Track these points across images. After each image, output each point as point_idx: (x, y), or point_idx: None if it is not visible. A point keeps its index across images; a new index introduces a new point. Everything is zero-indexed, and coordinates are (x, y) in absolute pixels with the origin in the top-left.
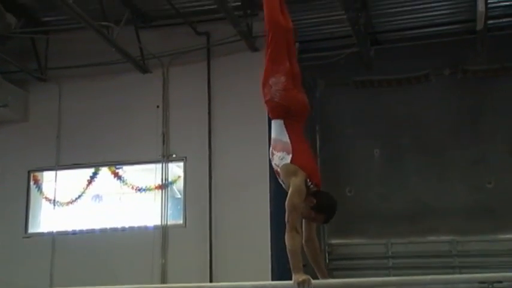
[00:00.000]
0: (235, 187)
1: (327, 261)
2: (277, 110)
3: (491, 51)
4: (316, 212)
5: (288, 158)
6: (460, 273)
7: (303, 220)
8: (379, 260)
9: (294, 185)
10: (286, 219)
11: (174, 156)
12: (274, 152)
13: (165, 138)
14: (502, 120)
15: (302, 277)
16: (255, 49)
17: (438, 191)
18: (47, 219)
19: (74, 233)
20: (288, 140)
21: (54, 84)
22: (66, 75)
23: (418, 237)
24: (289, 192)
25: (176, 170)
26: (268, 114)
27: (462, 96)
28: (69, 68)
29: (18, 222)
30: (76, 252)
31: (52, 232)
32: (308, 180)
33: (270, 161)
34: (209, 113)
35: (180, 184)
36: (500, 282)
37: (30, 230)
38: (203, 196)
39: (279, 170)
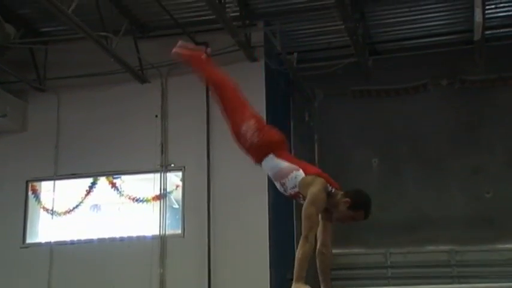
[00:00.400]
0: (234, 197)
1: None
2: (262, 150)
3: (488, 62)
4: (354, 210)
5: (301, 173)
6: (459, 283)
7: (319, 228)
8: (378, 270)
9: (310, 194)
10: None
11: (172, 165)
12: (283, 181)
13: (163, 148)
14: (500, 130)
15: (302, 287)
16: (253, 59)
17: (437, 201)
18: (45, 229)
19: (72, 243)
20: (288, 163)
21: (53, 94)
22: (64, 86)
23: (417, 247)
24: (305, 202)
25: (175, 179)
26: (255, 162)
27: (460, 106)
28: (67, 78)
29: (16, 232)
30: (74, 263)
31: (50, 242)
32: (328, 186)
33: None
34: (208, 123)
35: (178, 194)
36: None
37: (28, 240)
38: (202, 206)
39: (297, 189)
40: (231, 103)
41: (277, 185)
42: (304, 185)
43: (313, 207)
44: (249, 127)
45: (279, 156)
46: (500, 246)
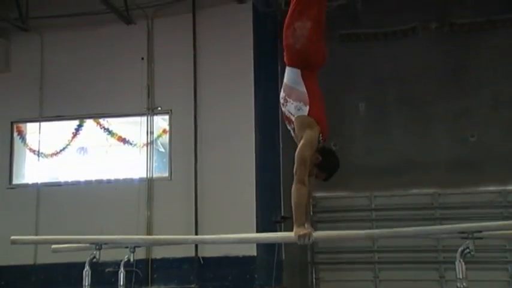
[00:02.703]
0: (221, 140)
1: (311, 213)
2: (295, 59)
3: (478, 4)
4: (319, 169)
5: (306, 110)
6: (441, 224)
7: None
8: (362, 212)
9: (307, 137)
10: (294, 171)
11: (159, 109)
12: (288, 99)
13: (150, 91)
14: (486, 73)
15: (303, 231)
16: (241, 0)
17: (422, 145)
18: (31, 171)
19: (59, 184)
20: (305, 90)
21: (36, 34)
22: (48, 25)
23: (401, 190)
24: (301, 143)
25: (161, 123)
26: (284, 59)
27: (448, 50)
28: (51, 18)
29: (2, 173)
30: (61, 204)
31: (37, 183)
32: (320, 135)
33: (255, 113)
34: (194, 65)
35: (165, 137)
36: (480, 232)
37: (15, 181)
38: (189, 149)
39: (293, 119)
40: None
41: (281, 94)
42: (301, 123)
43: (310, 151)
44: (303, 27)
45: (303, 76)
46: (482, 188)
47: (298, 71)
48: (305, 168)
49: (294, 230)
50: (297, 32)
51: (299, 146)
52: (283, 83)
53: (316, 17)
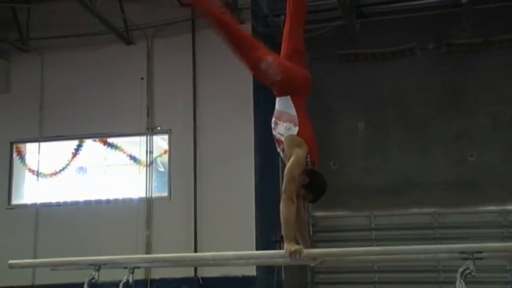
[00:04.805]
0: (220, 159)
1: (311, 233)
2: (282, 89)
3: (475, 25)
4: (306, 191)
5: (295, 130)
6: (441, 244)
7: None
8: (362, 232)
9: (296, 156)
10: (283, 189)
11: (158, 128)
12: (278, 122)
13: (149, 111)
14: (485, 94)
15: (294, 247)
16: (240, 21)
17: (421, 165)
18: (30, 191)
19: (58, 204)
20: (295, 113)
21: (37, 55)
22: (48, 46)
23: (401, 209)
24: (290, 162)
25: (161, 143)
26: (277, 96)
27: (446, 70)
28: (51, 39)
29: (1, 194)
30: (60, 225)
31: (36, 204)
32: (308, 156)
33: (255, 133)
34: (194, 86)
35: (164, 157)
36: (480, 252)
37: (14, 202)
38: (188, 168)
39: (282, 139)
40: (243, 43)
41: (272, 120)
42: (291, 142)
43: (298, 170)
44: (268, 65)
45: (294, 100)
46: (481, 208)
47: (288, 97)
48: (294, 186)
49: (285, 246)
50: (268, 70)
51: (288, 165)
52: (275, 110)
53: (267, 51)
